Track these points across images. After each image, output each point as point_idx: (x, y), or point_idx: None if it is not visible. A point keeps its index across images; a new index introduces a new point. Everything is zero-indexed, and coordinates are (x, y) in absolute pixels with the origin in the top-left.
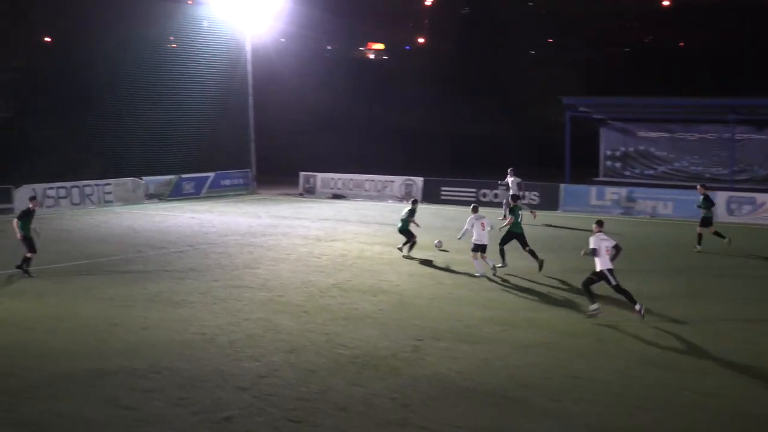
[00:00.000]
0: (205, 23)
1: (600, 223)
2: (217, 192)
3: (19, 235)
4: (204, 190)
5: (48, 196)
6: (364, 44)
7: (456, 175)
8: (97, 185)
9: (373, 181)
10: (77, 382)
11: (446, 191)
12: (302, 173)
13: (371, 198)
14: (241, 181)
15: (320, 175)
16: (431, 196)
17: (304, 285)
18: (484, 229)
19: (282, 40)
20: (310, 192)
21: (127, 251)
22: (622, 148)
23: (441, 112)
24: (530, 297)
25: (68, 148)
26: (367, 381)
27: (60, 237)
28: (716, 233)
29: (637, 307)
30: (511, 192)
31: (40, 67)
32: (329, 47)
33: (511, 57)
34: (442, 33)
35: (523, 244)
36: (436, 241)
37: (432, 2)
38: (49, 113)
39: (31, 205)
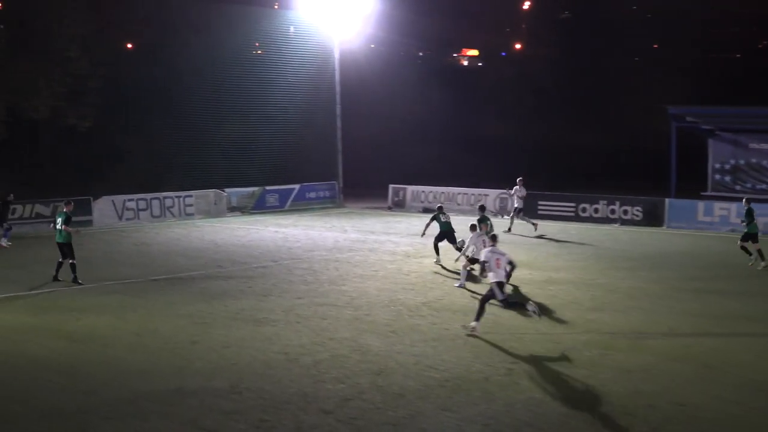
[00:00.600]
0: (291, 29)
1: (493, 237)
2: (302, 205)
3: (73, 230)
4: (288, 203)
5: (127, 209)
6: (458, 50)
7: (554, 189)
8: (177, 197)
9: (465, 194)
10: (156, 402)
11: (543, 205)
12: (391, 186)
13: (464, 212)
14: (327, 193)
15: (410, 188)
16: (528, 210)
17: (392, 303)
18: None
19: (372, 45)
20: (399, 206)
21: (207, 266)
22: (732, 161)
23: (538, 121)
24: (633, 319)
25: (149, 158)
26: (459, 406)
27: (139, 251)
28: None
29: (531, 307)
30: (515, 204)
31: (121, 75)
32: (421, 53)
33: (613, 63)
34: (541, 38)
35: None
36: (459, 240)
37: (530, 6)
38: (129, 123)
39: (66, 209)
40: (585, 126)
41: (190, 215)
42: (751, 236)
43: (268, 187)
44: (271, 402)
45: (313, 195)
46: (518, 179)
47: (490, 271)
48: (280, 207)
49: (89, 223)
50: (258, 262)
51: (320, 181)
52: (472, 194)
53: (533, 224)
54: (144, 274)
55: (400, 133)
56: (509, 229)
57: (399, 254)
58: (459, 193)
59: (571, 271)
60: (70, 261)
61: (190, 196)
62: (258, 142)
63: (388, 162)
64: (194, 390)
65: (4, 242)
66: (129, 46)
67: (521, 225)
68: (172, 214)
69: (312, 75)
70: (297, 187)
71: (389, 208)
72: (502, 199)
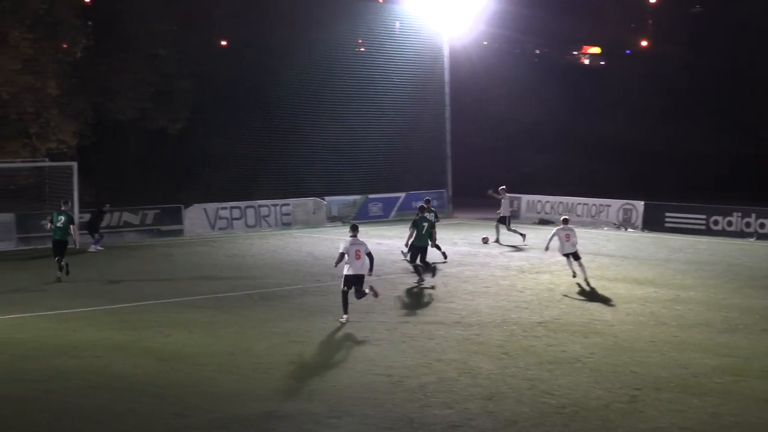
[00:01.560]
0: (397, 24)
1: (354, 228)
2: (408, 215)
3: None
4: (393, 213)
5: (220, 217)
6: (579, 48)
7: (683, 199)
8: (274, 205)
9: (586, 204)
10: (249, 426)
11: (671, 218)
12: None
13: (584, 224)
14: (435, 202)
15: (525, 198)
16: (653, 223)
17: (504, 323)
18: (569, 240)
19: (484, 43)
20: (513, 216)
21: (305, 280)
22: None
23: (667, 126)
24: None
25: (243, 163)
26: None
27: (232, 263)
28: None
29: (344, 318)
30: (501, 213)
31: (214, 74)
32: (538, 51)
33: (751, 63)
34: (669, 35)
35: (422, 257)
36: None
37: (657, 0)
38: (222, 125)
39: (64, 208)
40: (719, 131)
41: (287, 225)
42: None
43: (371, 196)
44: (373, 428)
45: (420, 204)
46: (500, 188)
47: (347, 262)
48: (384, 217)
49: (180, 232)
50: None
51: (428, 189)
52: (593, 204)
53: (519, 235)
54: (237, 288)
55: (515, 138)
56: (497, 240)
57: (513, 269)
58: (579, 203)
59: (701, 289)
60: (64, 261)
61: (287, 204)
62: (360, 146)
63: (502, 169)
64: (290, 414)
65: (93, 248)
66: (222, 43)
67: (509, 235)
68: (267, 223)
69: (419, 74)
70: (402, 195)
71: None
72: (626, 210)
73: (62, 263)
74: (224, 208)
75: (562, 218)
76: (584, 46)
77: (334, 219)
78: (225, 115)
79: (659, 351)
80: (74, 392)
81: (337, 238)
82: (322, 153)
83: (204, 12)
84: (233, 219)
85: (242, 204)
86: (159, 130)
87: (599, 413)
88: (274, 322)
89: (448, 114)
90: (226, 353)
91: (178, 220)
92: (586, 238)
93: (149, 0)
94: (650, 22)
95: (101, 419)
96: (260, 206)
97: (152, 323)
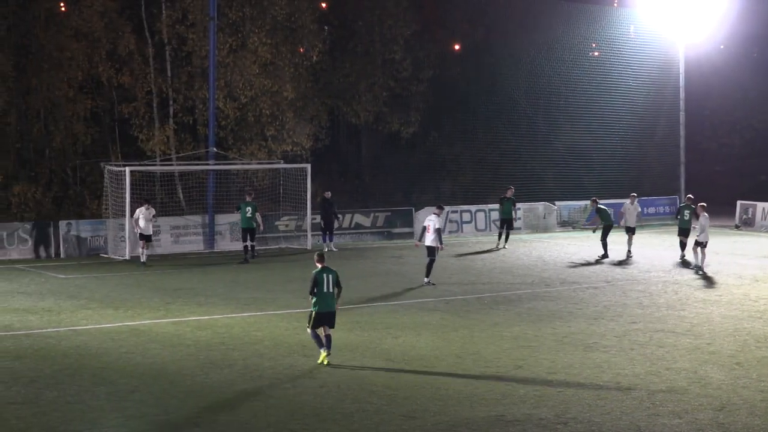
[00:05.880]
0: (631, 28)
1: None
2: (640, 221)
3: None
4: (623, 219)
5: (450, 221)
6: None
7: None
8: None
9: None
10: (476, 430)
11: None
12: (739, 202)
13: None
14: (667, 209)
15: (761, 205)
16: None
17: (737, 332)
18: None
19: (721, 47)
20: (747, 224)
21: (534, 285)
22: None
23: None
24: None
25: (473, 167)
26: None
27: (462, 266)
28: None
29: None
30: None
31: (448, 77)
32: None
33: None
34: None
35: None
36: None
37: None
38: (455, 129)
39: (249, 199)
40: None
41: (516, 229)
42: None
43: (601, 201)
44: None
45: (651, 210)
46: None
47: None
48: (614, 222)
49: (410, 235)
50: (589, 282)
51: (659, 195)
52: None
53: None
54: (467, 291)
55: (752, 144)
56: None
57: (746, 278)
58: None
59: None
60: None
61: (518, 208)
62: (592, 151)
63: (737, 176)
64: (517, 418)
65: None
66: (456, 47)
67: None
68: (496, 227)
69: (653, 79)
70: None
71: (736, 227)
72: None
73: (250, 246)
74: (455, 212)
75: (631, 194)
76: None
77: (564, 224)
78: (458, 119)
79: None
80: (305, 391)
81: (567, 243)
82: (555, 157)
83: (439, 17)
84: (463, 223)
85: (473, 208)
86: (392, 133)
87: None
88: (503, 327)
89: (682, 119)
90: (454, 356)
91: (409, 223)
92: None
93: (386, 5)
94: None
95: (332, 418)
96: (490, 210)
97: (382, 325)
